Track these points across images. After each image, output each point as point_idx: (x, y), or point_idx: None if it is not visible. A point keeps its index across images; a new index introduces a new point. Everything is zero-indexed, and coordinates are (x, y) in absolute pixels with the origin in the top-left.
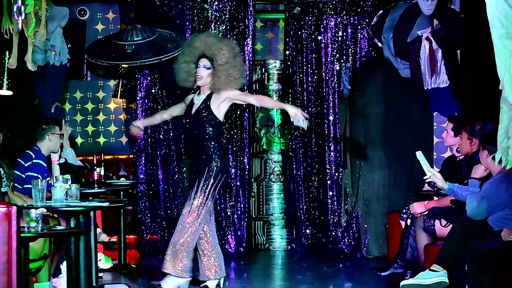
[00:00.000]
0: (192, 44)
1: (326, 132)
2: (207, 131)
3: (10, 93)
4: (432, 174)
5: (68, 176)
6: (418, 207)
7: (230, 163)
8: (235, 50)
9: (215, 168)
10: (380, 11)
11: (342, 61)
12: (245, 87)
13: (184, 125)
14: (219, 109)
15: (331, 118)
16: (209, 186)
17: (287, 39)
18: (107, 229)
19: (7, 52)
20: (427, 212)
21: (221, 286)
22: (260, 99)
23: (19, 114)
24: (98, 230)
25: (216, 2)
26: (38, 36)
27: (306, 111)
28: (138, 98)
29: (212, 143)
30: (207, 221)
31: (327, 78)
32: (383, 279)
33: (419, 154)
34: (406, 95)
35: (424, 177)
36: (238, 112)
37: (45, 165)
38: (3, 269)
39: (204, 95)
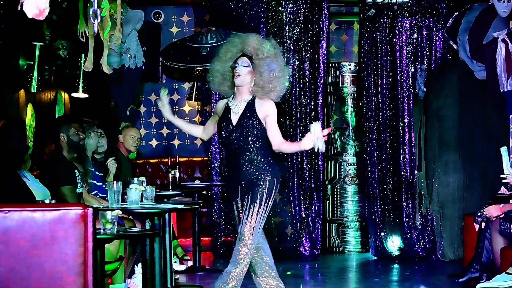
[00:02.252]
0: (230, 42)
1: (401, 134)
2: (253, 141)
3: (86, 95)
4: (509, 174)
5: (143, 178)
6: (494, 210)
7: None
8: (277, 50)
9: (267, 187)
10: (456, 13)
11: (417, 63)
12: (319, 95)
13: (223, 136)
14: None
15: (406, 120)
16: (263, 207)
17: (362, 42)
18: (182, 231)
19: (83, 55)
20: (503, 215)
21: None
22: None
23: (95, 116)
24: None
25: (290, 5)
26: (113, 39)
27: (380, 114)
28: (212, 100)
29: (260, 156)
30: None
31: (402, 80)
32: (459, 284)
33: (504, 150)
34: (481, 97)
35: (501, 175)
36: (313, 115)
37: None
38: (79, 270)
39: (245, 101)
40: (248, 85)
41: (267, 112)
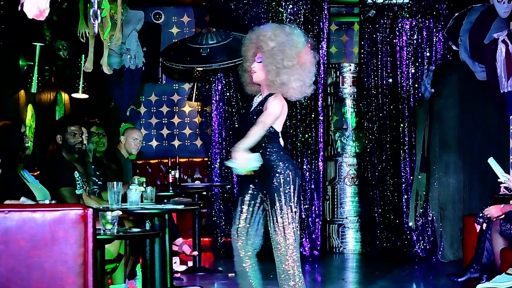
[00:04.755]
0: (248, 39)
1: (401, 135)
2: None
3: (86, 96)
4: (507, 179)
5: (143, 179)
6: (494, 211)
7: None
8: (292, 35)
9: (280, 180)
10: (456, 14)
11: (417, 64)
12: (320, 96)
13: (239, 122)
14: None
15: (406, 121)
16: (289, 197)
17: (362, 42)
18: (182, 231)
19: (83, 55)
20: (503, 215)
21: None
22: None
23: (95, 117)
24: (180, 240)
25: (290, 6)
26: (113, 39)
27: (381, 115)
28: (213, 101)
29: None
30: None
31: (402, 81)
32: (459, 284)
33: (491, 160)
34: (482, 98)
35: (499, 179)
36: (313, 115)
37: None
38: (79, 271)
39: (263, 96)
40: (264, 81)
41: (266, 107)
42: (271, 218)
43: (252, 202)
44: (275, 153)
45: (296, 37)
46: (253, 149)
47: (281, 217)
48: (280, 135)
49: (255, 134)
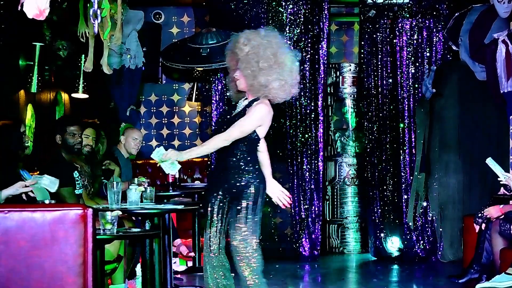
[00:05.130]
0: (227, 50)
1: (401, 135)
2: (237, 144)
3: (86, 96)
4: (507, 177)
5: (143, 179)
6: (494, 211)
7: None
8: (266, 37)
9: (251, 190)
10: (456, 14)
11: (417, 64)
12: (320, 96)
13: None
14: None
15: (406, 121)
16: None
17: (362, 42)
18: (182, 231)
19: (83, 55)
20: (503, 216)
21: None
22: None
23: (95, 117)
24: (179, 241)
25: (291, 6)
26: (113, 39)
27: (380, 115)
28: (212, 101)
29: (241, 161)
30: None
31: (402, 81)
32: (459, 285)
33: (490, 160)
34: (482, 98)
35: (498, 178)
36: (313, 115)
37: None
38: (79, 271)
39: (248, 100)
40: (246, 87)
41: (248, 111)
42: (234, 225)
43: (221, 211)
44: (251, 161)
45: (272, 38)
46: (231, 152)
47: (245, 225)
48: (259, 143)
49: (213, 146)
